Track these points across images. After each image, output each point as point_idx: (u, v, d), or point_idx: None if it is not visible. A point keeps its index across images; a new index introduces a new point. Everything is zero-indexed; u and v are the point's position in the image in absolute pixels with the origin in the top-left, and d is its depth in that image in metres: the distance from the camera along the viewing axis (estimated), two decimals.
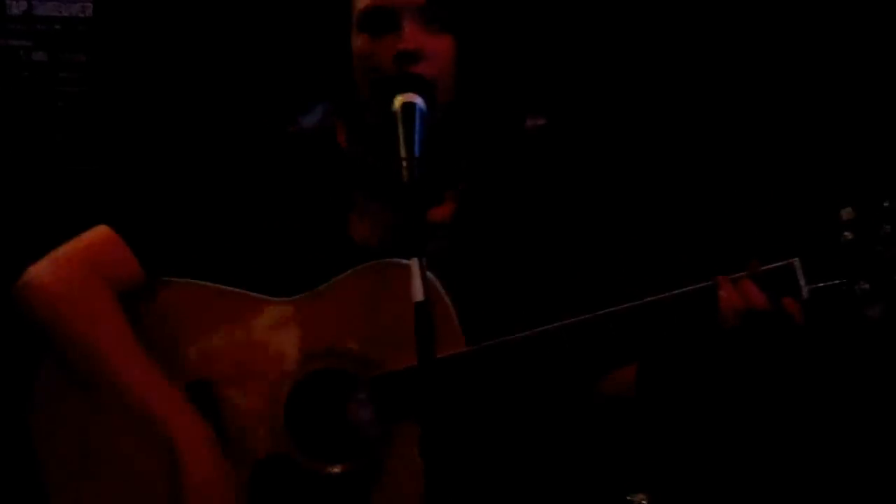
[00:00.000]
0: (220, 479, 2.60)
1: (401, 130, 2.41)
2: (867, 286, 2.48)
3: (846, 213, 2.50)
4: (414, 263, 2.21)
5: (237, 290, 2.68)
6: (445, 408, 2.20)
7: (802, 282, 2.50)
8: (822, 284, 2.50)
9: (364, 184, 2.74)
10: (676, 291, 2.54)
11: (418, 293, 2.19)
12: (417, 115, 2.45)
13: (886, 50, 3.59)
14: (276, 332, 2.65)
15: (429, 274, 2.33)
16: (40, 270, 2.70)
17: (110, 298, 2.67)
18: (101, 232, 2.73)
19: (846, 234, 2.49)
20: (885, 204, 2.49)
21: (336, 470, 2.60)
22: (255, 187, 2.75)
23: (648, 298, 2.55)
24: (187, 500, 2.57)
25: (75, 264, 2.69)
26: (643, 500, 2.75)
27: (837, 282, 2.49)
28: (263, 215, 2.73)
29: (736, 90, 3.68)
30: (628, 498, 2.76)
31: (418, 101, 2.47)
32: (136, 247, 2.70)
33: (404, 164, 2.35)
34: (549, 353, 2.56)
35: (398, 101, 2.47)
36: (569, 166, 2.88)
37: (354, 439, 2.60)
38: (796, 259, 2.51)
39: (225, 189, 2.76)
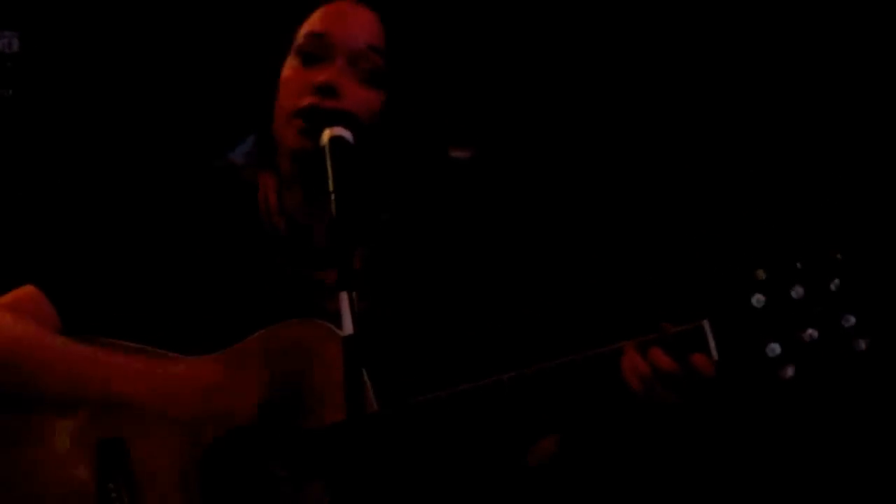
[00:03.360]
0: None
1: (329, 164, 2.42)
2: (778, 348, 2.48)
3: (759, 273, 2.50)
4: (343, 297, 2.22)
5: (151, 348, 2.67)
6: (358, 467, 2.20)
7: (712, 343, 2.50)
8: (731, 346, 2.49)
9: (275, 246, 2.74)
10: (585, 353, 2.54)
11: (348, 326, 2.19)
12: (345, 149, 2.47)
13: (799, 114, 3.63)
14: (190, 391, 2.63)
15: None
16: None
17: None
18: (26, 290, 2.72)
19: (758, 295, 2.49)
20: (798, 265, 2.49)
21: None
22: (174, 238, 2.74)
23: (555, 361, 2.54)
24: None
25: (5, 312, 2.68)
26: None
27: (748, 344, 2.49)
28: (181, 266, 2.73)
29: (652, 144, 3.70)
30: None
31: (347, 134, 2.50)
32: (57, 304, 2.70)
33: (332, 197, 2.36)
34: (456, 414, 2.56)
35: (326, 134, 2.49)
36: (482, 222, 2.92)
37: (268, 498, 2.59)
38: (706, 321, 2.50)
39: (146, 240, 2.75)
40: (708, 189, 3.65)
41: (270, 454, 2.60)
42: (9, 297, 2.72)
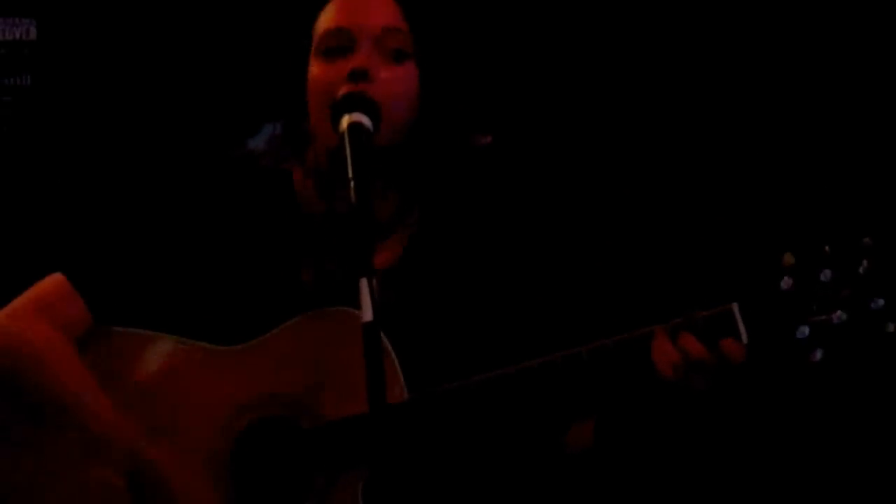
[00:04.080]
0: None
1: (348, 151, 2.40)
2: (807, 331, 2.48)
3: (787, 257, 2.50)
4: (363, 284, 2.19)
5: (180, 338, 2.67)
6: (390, 456, 2.18)
7: (742, 327, 2.49)
8: (761, 329, 2.49)
9: (313, 234, 2.74)
10: (615, 338, 2.54)
11: (367, 313, 2.17)
12: (365, 135, 2.45)
13: (825, 95, 3.61)
14: (218, 381, 2.63)
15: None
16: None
17: (65, 343, 2.67)
18: (54, 279, 2.71)
19: (786, 279, 2.49)
20: (826, 249, 2.49)
21: None
22: (204, 226, 2.73)
23: (586, 346, 2.54)
24: None
25: (30, 314, 2.67)
26: None
27: (777, 327, 2.49)
28: (213, 256, 2.72)
29: (680, 128, 3.67)
30: None
31: (366, 120, 2.48)
32: (85, 293, 2.69)
33: (352, 184, 2.34)
34: (486, 401, 2.55)
35: (345, 120, 2.47)
36: (511, 211, 2.90)
37: (299, 490, 2.58)
38: (735, 304, 2.50)
39: (173, 230, 2.74)
40: (736, 173, 3.63)
41: (302, 445, 2.59)
42: (36, 291, 2.71)
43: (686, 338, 2.48)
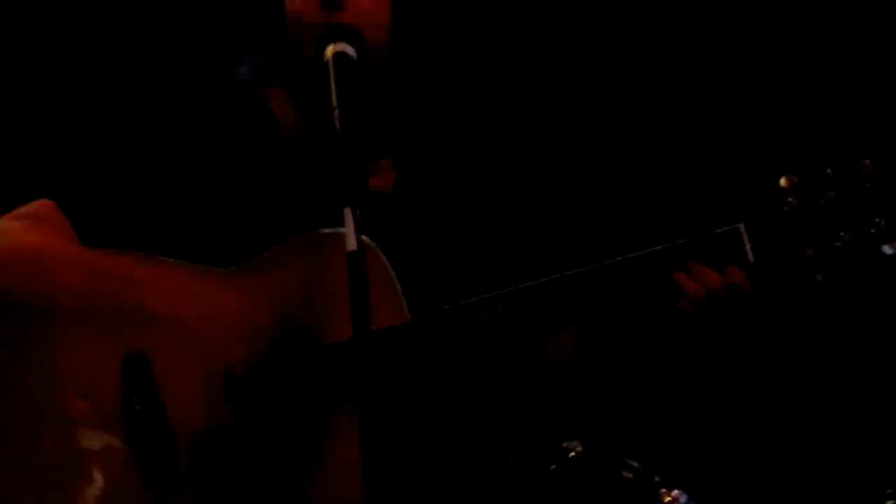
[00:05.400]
0: None
1: (333, 80, 2.41)
2: (812, 252, 2.51)
3: (790, 178, 2.52)
4: (347, 213, 2.18)
5: (176, 260, 2.65)
6: (384, 380, 2.19)
7: (748, 248, 2.52)
8: (767, 250, 2.52)
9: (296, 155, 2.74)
10: (621, 258, 2.55)
11: (351, 242, 2.16)
12: (349, 64, 2.45)
13: (823, 27, 3.60)
14: (217, 303, 2.62)
15: (368, 241, 2.40)
16: None
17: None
18: (42, 203, 2.69)
19: (790, 200, 2.51)
20: (828, 171, 2.50)
21: (273, 444, 2.57)
22: (189, 150, 2.73)
23: (596, 264, 2.56)
24: None
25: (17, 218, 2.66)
26: (577, 447, 2.77)
27: (783, 247, 2.52)
28: (199, 178, 2.71)
29: (678, 59, 3.67)
30: (563, 445, 2.78)
31: (350, 50, 2.48)
32: (73, 217, 2.68)
33: (336, 112, 2.34)
34: (495, 320, 2.56)
35: (329, 50, 2.47)
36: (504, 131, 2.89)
37: (299, 414, 2.59)
38: (741, 224, 2.53)
39: (163, 152, 2.73)
40: (738, 97, 3.64)
41: (296, 372, 2.59)
42: (24, 208, 2.69)
43: (703, 271, 2.52)
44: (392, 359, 2.55)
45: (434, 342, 2.57)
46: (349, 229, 2.17)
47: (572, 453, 2.76)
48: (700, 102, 3.65)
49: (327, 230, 2.61)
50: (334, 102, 2.36)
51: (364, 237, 2.34)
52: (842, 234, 2.49)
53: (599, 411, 3.49)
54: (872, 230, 2.48)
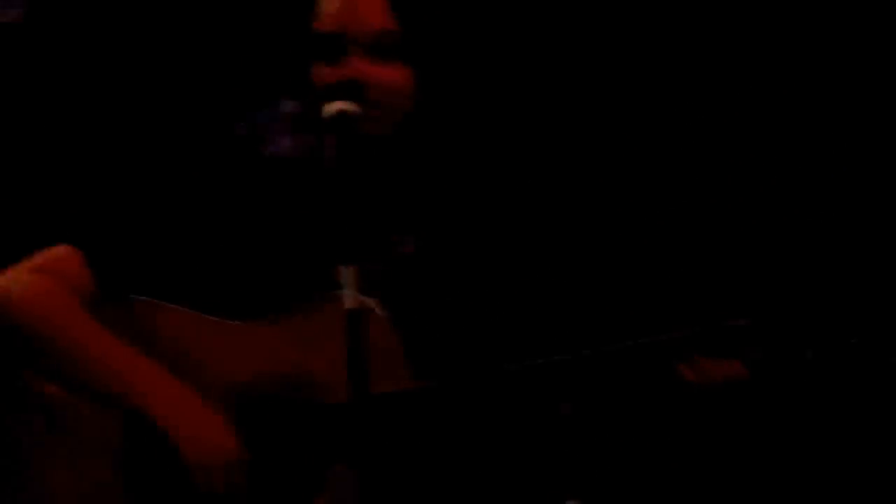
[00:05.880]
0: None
1: (335, 139, 2.38)
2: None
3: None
4: (345, 271, 2.18)
5: (187, 309, 2.64)
6: (381, 445, 2.20)
7: (754, 342, 2.55)
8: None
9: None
10: (630, 343, 2.57)
11: (349, 301, 2.16)
12: (351, 123, 2.42)
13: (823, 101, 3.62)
14: (227, 356, 2.62)
15: (376, 308, 2.43)
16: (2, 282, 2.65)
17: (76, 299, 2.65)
18: (60, 250, 2.67)
19: None
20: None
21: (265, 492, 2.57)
22: (212, 203, 2.71)
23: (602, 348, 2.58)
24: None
25: (36, 274, 2.64)
26: None
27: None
28: (222, 231, 2.69)
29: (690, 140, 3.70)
30: None
31: (352, 108, 2.44)
32: (94, 266, 2.65)
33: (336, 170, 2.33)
34: (497, 395, 2.57)
35: (333, 107, 2.43)
36: (513, 206, 2.89)
37: (293, 474, 2.59)
38: (749, 320, 2.56)
39: (187, 201, 2.71)
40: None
41: (299, 430, 2.59)
42: (42, 259, 2.67)
43: (706, 364, 2.55)
44: (389, 424, 2.53)
45: (430, 412, 2.57)
46: (348, 288, 2.17)
47: None
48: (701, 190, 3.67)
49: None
50: (335, 164, 2.33)
51: (373, 303, 2.37)
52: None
53: (598, 470, 3.49)
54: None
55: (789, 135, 3.63)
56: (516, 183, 3.06)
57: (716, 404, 2.60)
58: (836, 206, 3.50)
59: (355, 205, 2.28)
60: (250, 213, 2.70)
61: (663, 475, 3.64)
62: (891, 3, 3.56)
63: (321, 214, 2.68)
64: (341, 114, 2.43)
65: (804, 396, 3.54)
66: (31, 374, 2.62)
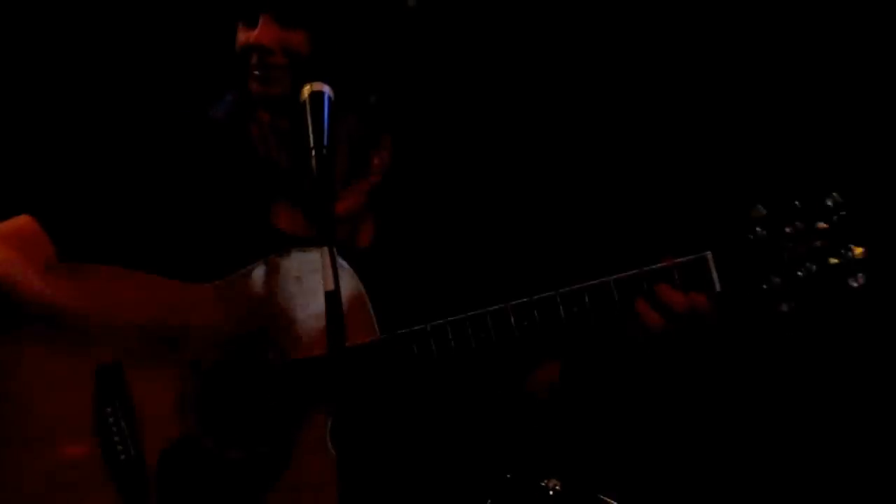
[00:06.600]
0: None
1: (309, 120, 2.41)
2: (778, 281, 2.53)
3: (757, 209, 2.55)
4: (324, 252, 2.21)
5: (151, 274, 2.69)
6: (356, 396, 2.21)
7: (715, 275, 2.55)
8: (733, 278, 2.54)
9: (275, 186, 2.77)
10: (590, 283, 2.57)
11: (328, 282, 2.19)
12: (326, 104, 2.45)
13: (802, 47, 3.63)
14: (189, 316, 2.67)
15: (344, 263, 2.44)
16: None
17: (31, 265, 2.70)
18: (21, 219, 2.74)
19: (759, 230, 2.54)
20: (796, 203, 2.53)
21: (237, 455, 2.62)
22: (171, 173, 2.77)
23: (560, 290, 2.58)
24: None
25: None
26: (556, 485, 2.78)
27: (749, 276, 2.55)
28: (182, 201, 2.76)
29: (653, 83, 3.69)
30: (542, 483, 2.79)
31: (326, 89, 2.47)
32: (52, 232, 2.72)
33: (313, 153, 2.35)
34: (458, 340, 2.60)
35: (306, 89, 2.46)
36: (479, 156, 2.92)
37: (264, 426, 2.63)
38: (709, 252, 2.55)
39: (141, 174, 2.77)
40: (710, 126, 3.66)
41: (267, 381, 2.64)
42: (3, 227, 2.73)
43: (664, 289, 2.54)
44: (363, 375, 2.59)
45: (399, 364, 2.60)
46: (326, 268, 2.20)
47: (551, 491, 2.77)
48: (675, 129, 3.67)
49: (298, 249, 2.67)
50: (311, 143, 2.36)
51: (340, 260, 2.39)
52: (808, 264, 2.52)
53: (578, 448, 3.51)
54: (839, 262, 2.52)
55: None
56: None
57: (686, 347, 2.60)
58: None
59: (332, 188, 2.33)
60: (190, 180, 2.77)
61: (641, 450, 3.66)
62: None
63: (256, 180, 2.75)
64: (316, 94, 2.45)
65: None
66: None
